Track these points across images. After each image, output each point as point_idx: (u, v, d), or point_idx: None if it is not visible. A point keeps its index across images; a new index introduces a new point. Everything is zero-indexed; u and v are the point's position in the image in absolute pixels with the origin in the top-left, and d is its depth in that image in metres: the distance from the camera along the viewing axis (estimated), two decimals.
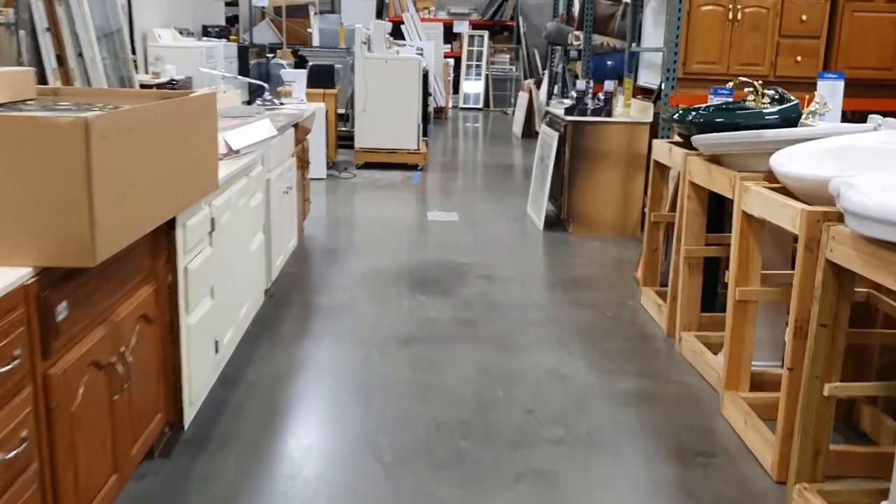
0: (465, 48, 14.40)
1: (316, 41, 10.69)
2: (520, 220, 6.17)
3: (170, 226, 2.42)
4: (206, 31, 11.86)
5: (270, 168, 3.81)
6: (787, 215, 2.53)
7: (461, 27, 14.35)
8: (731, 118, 3.46)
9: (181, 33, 10.47)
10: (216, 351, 2.86)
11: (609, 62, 7.70)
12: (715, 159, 3.35)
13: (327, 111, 7.72)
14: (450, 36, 14.23)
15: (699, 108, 3.83)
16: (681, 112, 3.77)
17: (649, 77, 6.19)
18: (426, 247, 5.31)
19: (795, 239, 2.59)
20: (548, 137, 6.07)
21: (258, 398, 3.04)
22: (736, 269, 2.95)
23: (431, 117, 12.95)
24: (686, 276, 3.54)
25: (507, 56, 14.96)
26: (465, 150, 10.50)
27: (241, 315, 3.23)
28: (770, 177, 2.84)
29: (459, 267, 4.84)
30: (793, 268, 2.54)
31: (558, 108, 6.06)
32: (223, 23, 13.53)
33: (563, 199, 5.77)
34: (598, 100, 5.71)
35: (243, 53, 11.27)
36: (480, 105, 14.78)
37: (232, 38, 13.95)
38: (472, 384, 3.22)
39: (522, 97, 11.68)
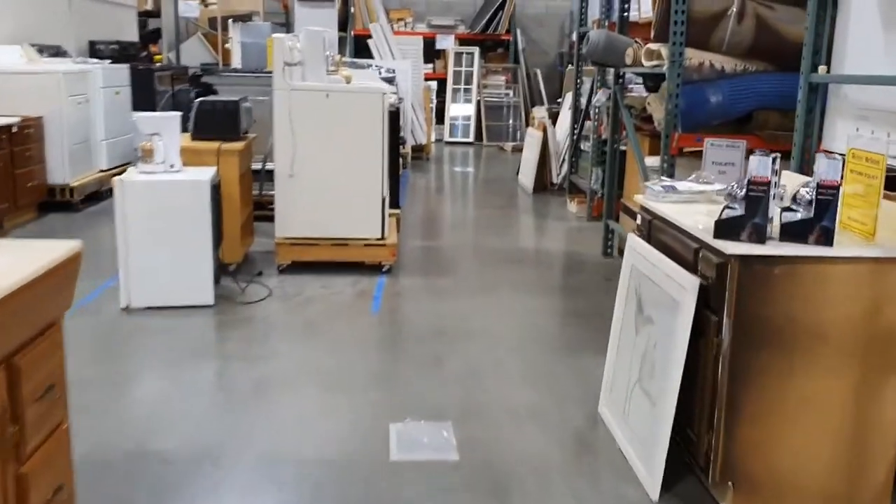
0: (451, 68, 11.44)
1: (237, 61, 7.33)
2: (594, 453, 2.81)
3: None
4: (95, 51, 8.58)
5: None
6: None
7: (445, 42, 11.45)
8: None
9: (41, 52, 7.16)
10: None
11: (713, 98, 4.42)
12: None
13: (219, 182, 4.36)
14: (432, 53, 11.19)
15: None
16: None
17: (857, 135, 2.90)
18: None
19: None
20: (659, 276, 2.70)
21: None
22: None
23: (409, 160, 9.63)
24: None
25: (503, 78, 12.04)
26: (455, 219, 7.11)
27: None
28: None
29: None
30: None
31: (684, 212, 2.73)
32: (136, 38, 10.40)
33: (715, 435, 2.43)
34: (798, 202, 2.39)
35: (143, 80, 7.88)
36: (471, 138, 11.73)
37: (157, 57, 10.95)
38: None
39: (533, 136, 8.40)
